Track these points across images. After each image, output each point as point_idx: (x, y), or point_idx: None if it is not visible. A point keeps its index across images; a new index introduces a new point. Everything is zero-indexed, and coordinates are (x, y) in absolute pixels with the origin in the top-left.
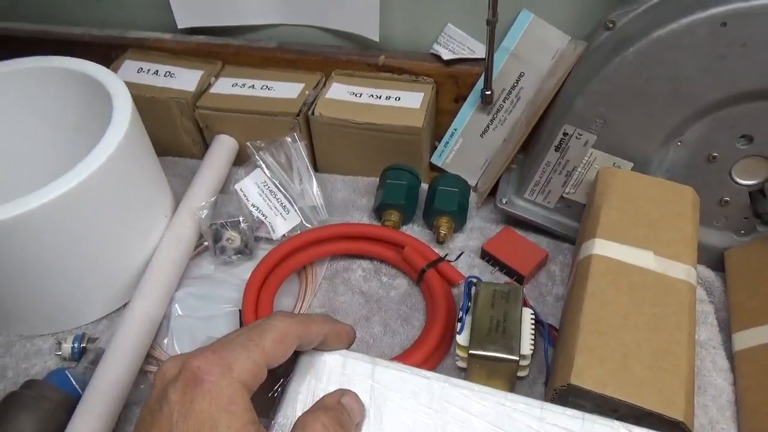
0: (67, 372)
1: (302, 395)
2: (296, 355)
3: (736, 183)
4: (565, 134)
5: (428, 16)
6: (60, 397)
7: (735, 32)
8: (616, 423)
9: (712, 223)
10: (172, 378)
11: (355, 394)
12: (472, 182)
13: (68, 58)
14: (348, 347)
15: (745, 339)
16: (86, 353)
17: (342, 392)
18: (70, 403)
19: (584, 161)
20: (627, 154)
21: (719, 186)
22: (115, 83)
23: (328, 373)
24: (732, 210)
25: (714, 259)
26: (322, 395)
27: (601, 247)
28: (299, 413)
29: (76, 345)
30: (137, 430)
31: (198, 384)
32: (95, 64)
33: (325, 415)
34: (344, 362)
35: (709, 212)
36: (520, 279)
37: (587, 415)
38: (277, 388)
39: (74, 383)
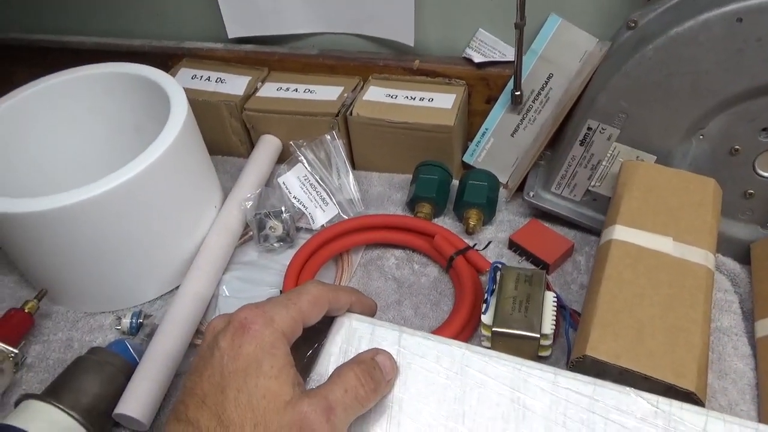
0: (126, 342)
1: (334, 356)
2: (330, 322)
3: (760, 176)
4: (589, 129)
5: (460, 22)
6: (120, 362)
7: (750, 27)
8: (627, 388)
9: (738, 216)
10: (221, 329)
11: (389, 353)
12: (503, 180)
13: (132, 64)
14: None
15: (767, 326)
16: (143, 328)
17: (377, 351)
18: (129, 369)
19: (608, 155)
20: (650, 148)
21: (743, 179)
22: (173, 86)
23: (358, 338)
24: (757, 203)
25: (740, 252)
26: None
27: (621, 232)
28: (332, 371)
29: (134, 320)
30: (191, 374)
31: (245, 331)
32: (155, 69)
33: (358, 367)
34: (373, 329)
35: (734, 205)
36: (545, 267)
37: (599, 381)
38: (312, 352)
39: (132, 352)
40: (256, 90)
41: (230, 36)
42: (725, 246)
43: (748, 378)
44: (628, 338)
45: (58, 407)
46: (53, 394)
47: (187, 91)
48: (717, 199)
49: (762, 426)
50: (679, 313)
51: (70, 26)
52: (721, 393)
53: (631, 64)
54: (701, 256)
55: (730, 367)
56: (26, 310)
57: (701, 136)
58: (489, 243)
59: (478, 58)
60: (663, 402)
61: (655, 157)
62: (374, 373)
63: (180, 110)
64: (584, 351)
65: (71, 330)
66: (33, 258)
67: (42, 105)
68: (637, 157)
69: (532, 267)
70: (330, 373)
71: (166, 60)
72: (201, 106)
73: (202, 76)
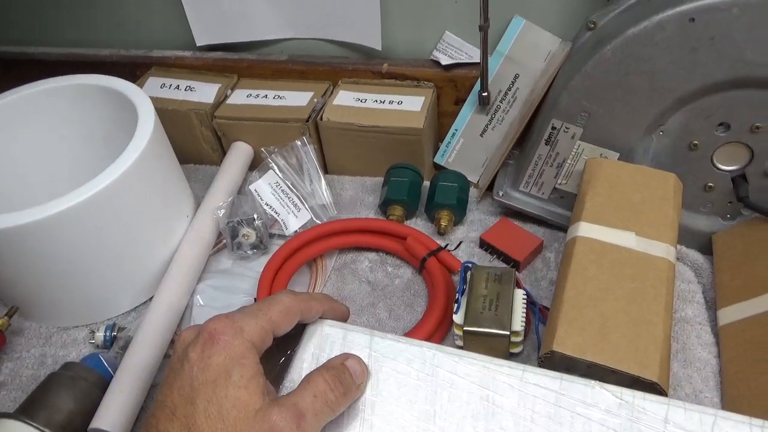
0: (100, 356)
1: (307, 363)
2: (302, 329)
3: (719, 169)
4: (553, 128)
5: (427, 25)
6: (94, 377)
7: (703, 27)
8: (592, 381)
9: (699, 208)
10: (191, 341)
11: (359, 358)
12: (473, 180)
13: (98, 75)
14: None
15: (729, 314)
16: (117, 340)
17: (347, 356)
18: (103, 383)
19: (573, 153)
20: (612, 145)
21: (702, 172)
22: (140, 97)
23: (330, 343)
24: (717, 195)
25: (702, 244)
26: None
27: (586, 229)
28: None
29: (107, 333)
30: (162, 386)
31: (214, 342)
32: (122, 80)
33: (327, 373)
34: (345, 334)
35: (695, 198)
36: (516, 265)
37: (565, 375)
38: (285, 359)
39: (106, 365)
40: (226, 97)
41: (198, 44)
42: (688, 238)
43: (712, 366)
44: (593, 333)
45: (32, 425)
46: (27, 411)
47: (156, 100)
48: (678, 193)
49: (721, 412)
50: (642, 306)
51: (35, 38)
52: (686, 381)
53: (590, 64)
54: (663, 249)
55: (694, 355)
56: None
57: (661, 133)
58: (460, 243)
59: (445, 60)
60: (627, 393)
61: (618, 154)
62: (344, 378)
63: (147, 121)
64: (551, 347)
65: (44, 346)
66: (2, 274)
67: (7, 119)
68: (601, 154)
69: (503, 265)
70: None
71: (135, 69)
72: (170, 114)
73: (171, 85)
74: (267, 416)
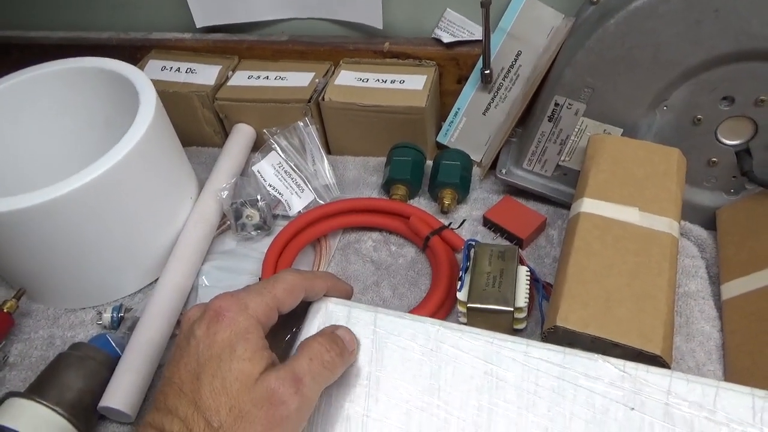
0: (108, 336)
1: None
2: (307, 307)
3: (722, 144)
4: (556, 104)
5: (428, 3)
6: (102, 356)
7: None
8: (595, 355)
9: (703, 183)
10: (197, 318)
11: (347, 328)
12: (476, 158)
13: (99, 58)
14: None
15: (732, 288)
16: (124, 321)
17: (335, 327)
18: (111, 362)
19: (576, 129)
20: (616, 121)
21: (706, 147)
22: (141, 79)
23: (335, 320)
24: (720, 170)
25: (706, 219)
26: None
27: (589, 205)
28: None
29: (114, 315)
30: (169, 364)
31: (220, 319)
32: (123, 62)
33: (321, 337)
34: (349, 311)
35: (698, 173)
36: (519, 243)
37: (568, 349)
38: (290, 337)
39: (114, 346)
40: (227, 79)
41: (198, 25)
42: (692, 213)
43: (715, 339)
44: (596, 307)
45: (43, 404)
46: (37, 391)
47: (157, 82)
48: (681, 168)
49: (723, 383)
50: (645, 280)
51: (34, 21)
52: (689, 355)
53: (594, 39)
54: (666, 224)
55: (697, 329)
56: (5, 310)
57: (665, 108)
58: (464, 221)
59: (447, 39)
60: (630, 366)
61: (622, 130)
62: (337, 340)
63: (149, 103)
64: (555, 322)
65: (52, 327)
66: (9, 257)
67: (9, 104)
68: (605, 130)
69: (507, 243)
70: None
71: (135, 52)
72: (172, 97)
73: (171, 67)
74: (265, 383)
